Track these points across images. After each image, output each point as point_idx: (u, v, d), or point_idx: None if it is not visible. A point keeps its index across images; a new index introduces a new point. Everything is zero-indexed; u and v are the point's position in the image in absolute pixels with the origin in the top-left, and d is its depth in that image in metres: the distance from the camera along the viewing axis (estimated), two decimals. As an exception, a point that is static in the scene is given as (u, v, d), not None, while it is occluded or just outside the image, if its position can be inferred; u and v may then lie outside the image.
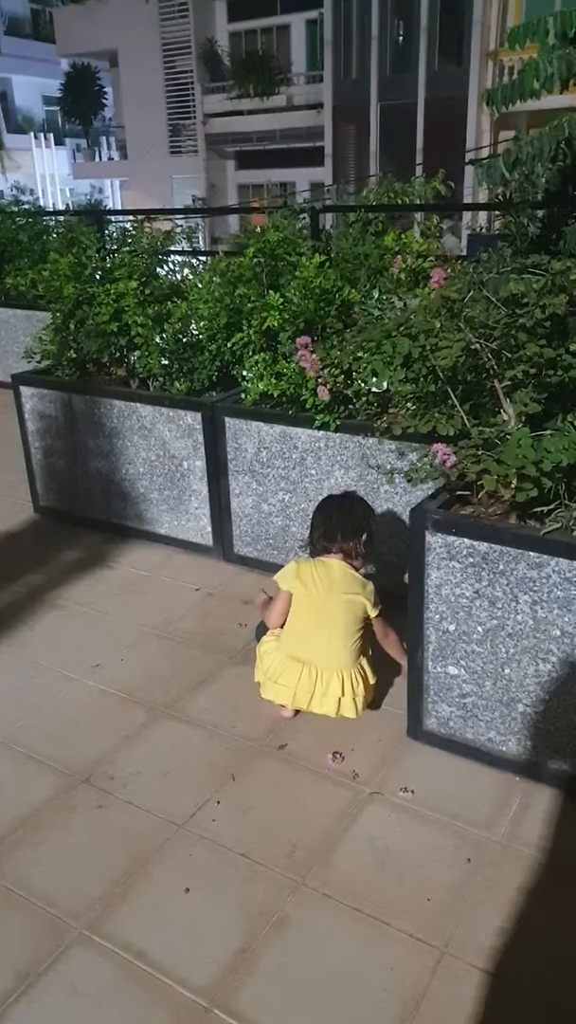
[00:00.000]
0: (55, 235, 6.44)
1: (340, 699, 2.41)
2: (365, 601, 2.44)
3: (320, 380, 2.85)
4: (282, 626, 2.52)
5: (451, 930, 1.82)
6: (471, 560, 2.13)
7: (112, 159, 24.34)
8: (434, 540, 2.17)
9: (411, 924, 1.83)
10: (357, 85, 17.90)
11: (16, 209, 7.04)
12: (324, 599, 2.43)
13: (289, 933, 1.82)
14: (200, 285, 3.61)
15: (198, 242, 5.81)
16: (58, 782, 2.29)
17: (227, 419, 3.39)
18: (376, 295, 3.09)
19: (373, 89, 17.69)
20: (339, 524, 2.49)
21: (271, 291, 3.36)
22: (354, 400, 2.99)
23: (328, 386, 2.83)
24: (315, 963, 1.76)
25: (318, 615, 2.43)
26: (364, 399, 2.97)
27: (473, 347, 2.15)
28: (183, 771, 2.33)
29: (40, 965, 1.75)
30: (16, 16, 27.58)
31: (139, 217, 4.92)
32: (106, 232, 6.08)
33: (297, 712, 2.52)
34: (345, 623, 2.42)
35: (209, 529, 3.62)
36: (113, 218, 8.39)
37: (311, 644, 2.44)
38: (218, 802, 2.20)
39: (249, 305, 3.39)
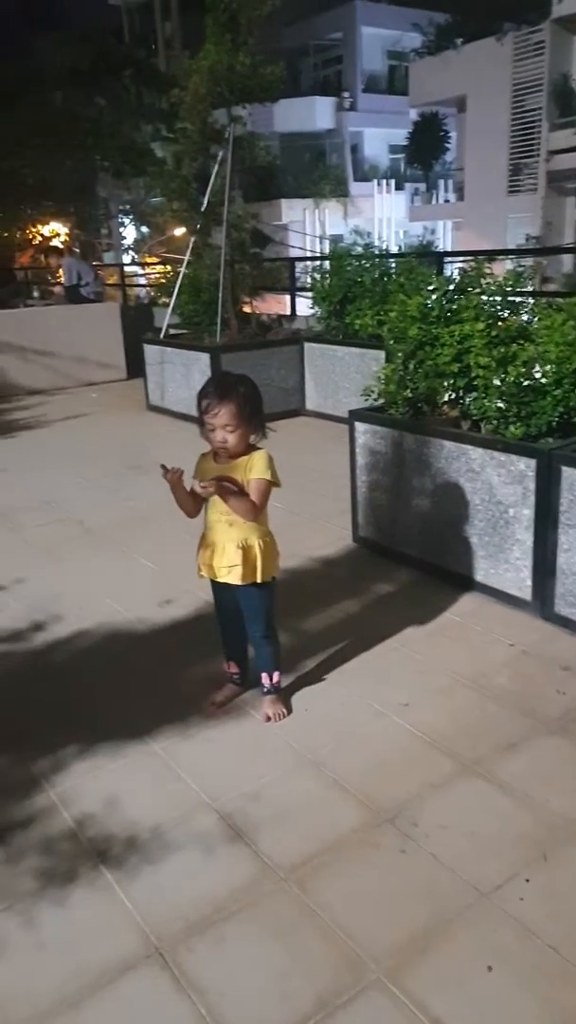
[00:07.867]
0: (395, 277, 6.71)
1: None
2: None
3: None
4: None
5: None
6: None
7: (448, 201, 24.86)
8: None
9: None
10: None
11: (361, 251, 7.50)
12: None
13: (605, 1058, 1.62)
14: (550, 327, 3.48)
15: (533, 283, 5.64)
16: (363, 815, 2.32)
17: (564, 468, 3.20)
18: None
19: None
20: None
21: None
22: None
23: None
24: None
25: None
26: None
27: None
28: (490, 836, 2.21)
29: (340, 997, 1.77)
30: (374, 74, 29.67)
31: (479, 258, 4.90)
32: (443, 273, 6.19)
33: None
34: None
35: (529, 583, 3.45)
36: (449, 259, 8.57)
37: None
38: (527, 880, 2.05)
39: (606, 350, 3.18)
